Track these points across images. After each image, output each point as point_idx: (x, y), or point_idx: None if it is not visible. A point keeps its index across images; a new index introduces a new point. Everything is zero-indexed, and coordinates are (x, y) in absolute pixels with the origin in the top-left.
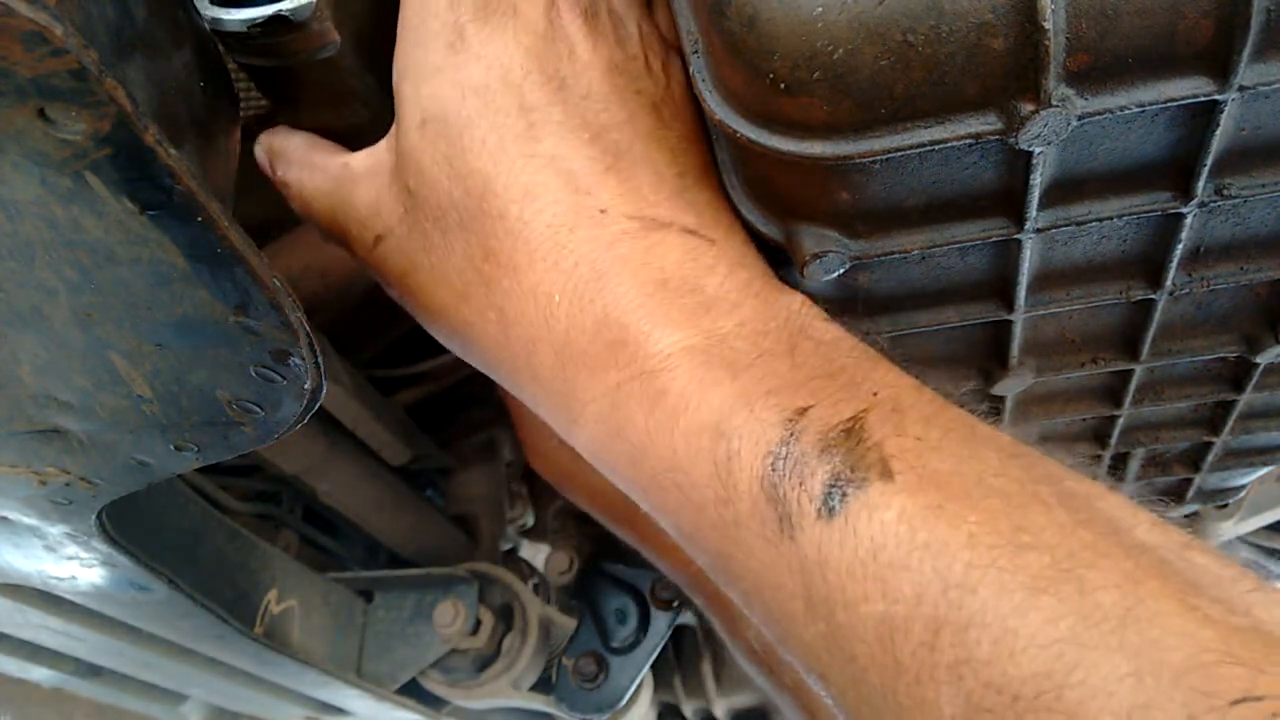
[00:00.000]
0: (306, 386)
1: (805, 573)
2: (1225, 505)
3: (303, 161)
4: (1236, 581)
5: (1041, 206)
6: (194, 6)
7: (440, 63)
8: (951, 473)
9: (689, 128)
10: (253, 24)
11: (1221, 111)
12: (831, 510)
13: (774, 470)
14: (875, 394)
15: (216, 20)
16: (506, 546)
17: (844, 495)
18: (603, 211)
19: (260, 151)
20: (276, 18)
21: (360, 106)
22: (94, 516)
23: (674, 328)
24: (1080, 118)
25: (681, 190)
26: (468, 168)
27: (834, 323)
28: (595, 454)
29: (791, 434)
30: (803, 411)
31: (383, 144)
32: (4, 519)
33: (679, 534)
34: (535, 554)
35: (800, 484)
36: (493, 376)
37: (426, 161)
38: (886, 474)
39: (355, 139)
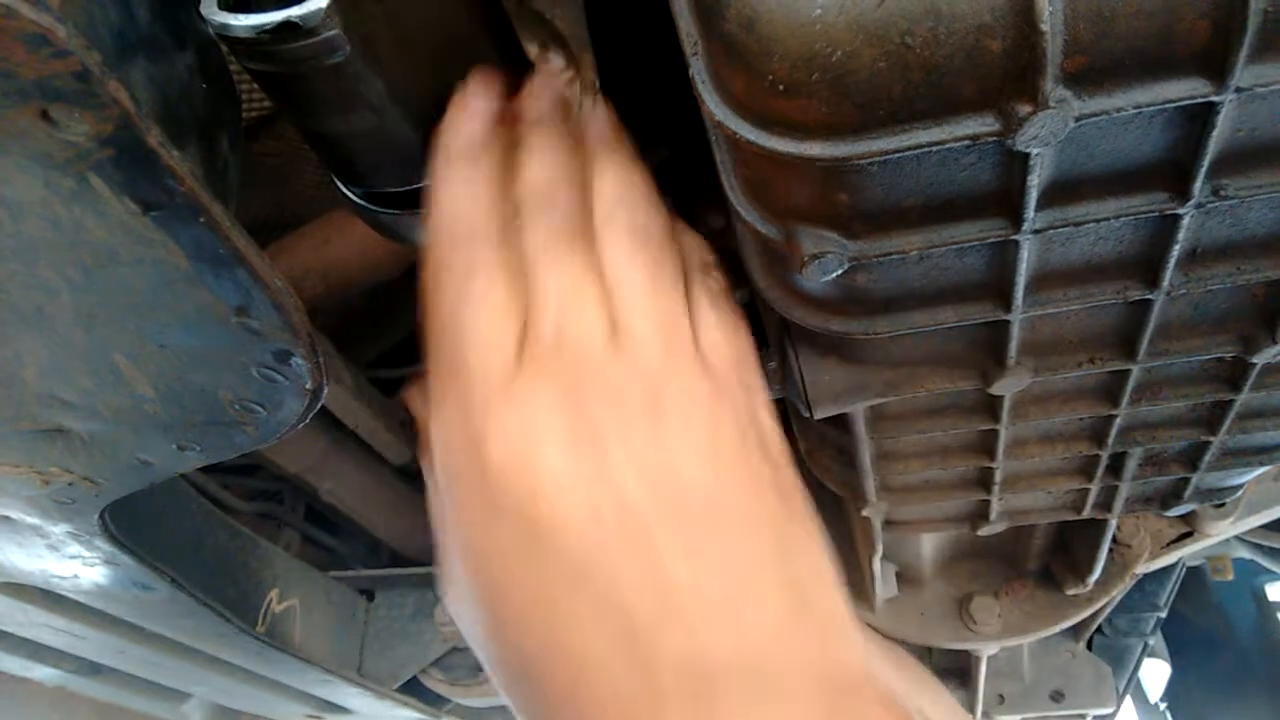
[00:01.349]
0: (308, 386)
1: None
2: (1223, 504)
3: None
4: None
5: (1039, 207)
6: (198, 10)
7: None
8: None
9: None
10: (262, 30)
11: (1218, 113)
12: None
13: None
14: None
15: (224, 26)
16: None
17: None
18: None
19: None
20: (286, 24)
21: (367, 112)
22: (97, 516)
23: None
24: (1077, 119)
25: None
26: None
27: None
28: None
29: None
30: None
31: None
32: (7, 518)
33: None
34: None
35: None
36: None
37: (486, 626)
38: None
39: (360, 142)
